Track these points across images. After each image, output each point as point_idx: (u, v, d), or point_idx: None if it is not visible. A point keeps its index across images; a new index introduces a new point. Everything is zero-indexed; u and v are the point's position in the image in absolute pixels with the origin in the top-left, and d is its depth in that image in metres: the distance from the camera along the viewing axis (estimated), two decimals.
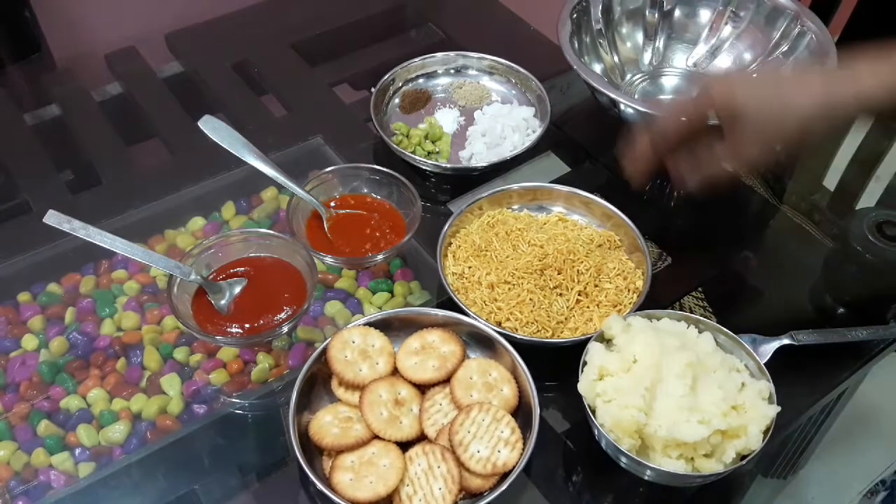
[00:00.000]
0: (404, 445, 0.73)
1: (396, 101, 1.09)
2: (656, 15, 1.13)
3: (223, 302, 0.81)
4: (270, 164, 0.87)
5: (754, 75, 0.76)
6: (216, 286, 0.82)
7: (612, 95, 0.96)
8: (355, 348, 0.77)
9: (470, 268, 0.87)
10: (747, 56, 1.10)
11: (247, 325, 0.80)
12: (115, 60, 1.17)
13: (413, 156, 0.99)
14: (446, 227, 0.89)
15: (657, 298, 0.87)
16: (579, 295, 0.85)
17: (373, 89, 1.05)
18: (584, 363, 0.76)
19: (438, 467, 0.71)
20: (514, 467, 0.70)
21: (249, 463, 0.78)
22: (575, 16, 1.06)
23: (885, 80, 0.69)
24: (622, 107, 0.97)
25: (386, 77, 1.07)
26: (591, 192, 0.93)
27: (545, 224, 0.92)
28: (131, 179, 1.02)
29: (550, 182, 0.96)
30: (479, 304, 0.84)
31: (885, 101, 0.70)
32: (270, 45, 1.21)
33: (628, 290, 0.86)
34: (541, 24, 1.24)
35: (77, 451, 0.78)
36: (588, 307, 0.84)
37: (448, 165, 1.00)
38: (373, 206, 0.92)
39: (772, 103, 0.72)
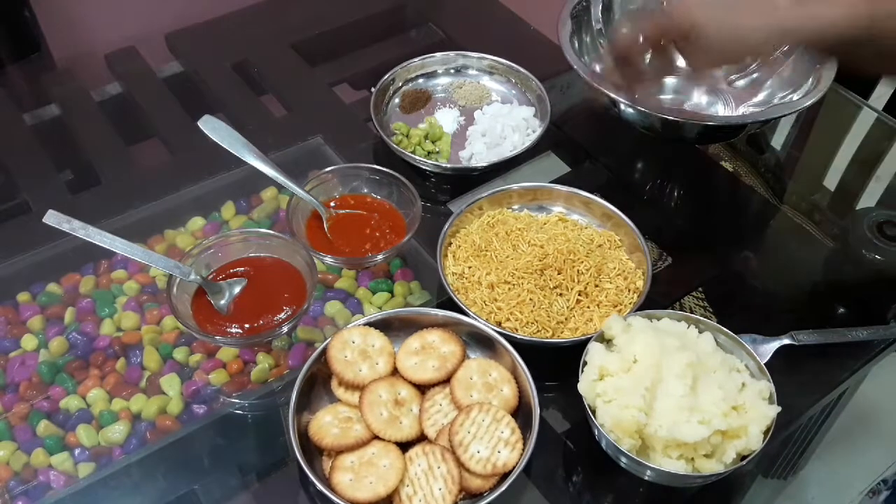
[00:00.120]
0: (404, 446, 0.73)
1: (396, 101, 1.09)
2: None
3: (223, 302, 0.81)
4: (270, 164, 0.87)
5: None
6: (216, 286, 0.82)
7: (613, 95, 0.96)
8: (355, 348, 0.77)
9: (470, 268, 0.87)
10: (747, 56, 1.10)
11: (246, 325, 0.79)
12: (114, 60, 1.17)
13: (413, 156, 0.98)
14: (446, 227, 0.89)
15: (657, 298, 0.87)
16: (579, 295, 0.85)
17: (373, 89, 1.05)
18: (585, 363, 0.76)
19: (438, 468, 0.71)
20: (514, 468, 0.70)
21: (249, 463, 0.78)
22: (575, 15, 1.06)
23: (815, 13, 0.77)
24: (622, 106, 0.97)
25: (386, 77, 1.07)
26: (591, 192, 0.93)
27: (545, 224, 0.92)
28: (131, 179, 1.02)
29: (550, 182, 0.96)
30: (479, 304, 0.84)
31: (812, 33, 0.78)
32: (270, 45, 1.21)
33: (628, 290, 0.86)
34: (541, 24, 1.23)
35: (77, 451, 0.78)
36: (588, 307, 0.84)
37: (448, 165, 1.00)
38: (373, 206, 0.92)
39: (726, 24, 0.80)
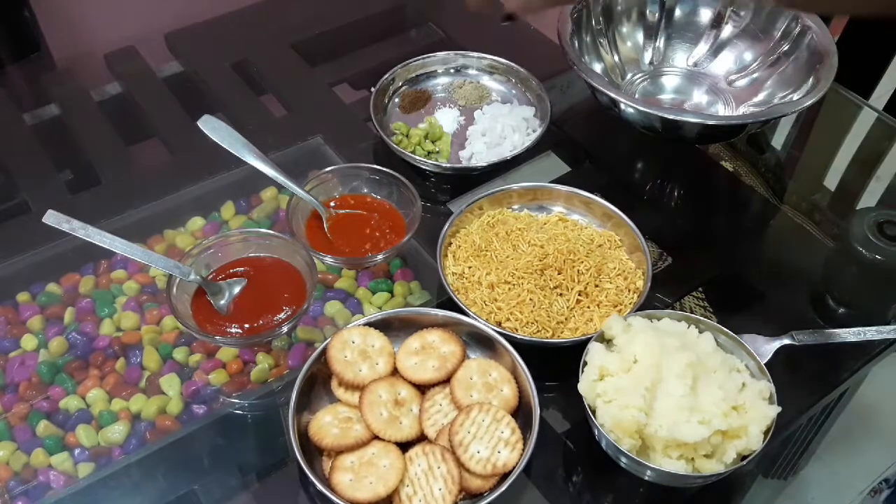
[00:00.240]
0: (404, 446, 0.73)
1: (396, 100, 1.09)
2: (657, 14, 1.13)
3: (223, 302, 0.81)
4: (270, 164, 0.87)
5: None
6: (216, 286, 0.82)
7: (613, 95, 0.96)
8: (355, 348, 0.77)
9: (470, 268, 0.87)
10: (748, 55, 1.10)
11: (246, 325, 0.79)
12: (114, 60, 1.17)
13: (413, 156, 0.98)
14: (446, 227, 0.89)
15: (657, 298, 0.87)
16: (579, 295, 0.85)
17: (373, 89, 1.05)
18: (585, 363, 0.75)
19: (438, 468, 0.71)
20: (514, 468, 0.70)
21: (249, 463, 0.78)
22: (575, 15, 1.06)
23: None
24: (622, 106, 0.97)
25: (386, 77, 1.07)
26: (591, 192, 0.93)
27: (545, 224, 0.92)
28: (131, 179, 1.02)
29: (550, 182, 0.96)
30: (479, 304, 0.84)
31: None
32: (270, 45, 1.21)
33: (628, 290, 0.86)
34: (541, 23, 1.23)
35: (76, 451, 0.78)
36: (588, 307, 0.84)
37: (448, 165, 1.00)
38: (373, 206, 0.92)
39: None
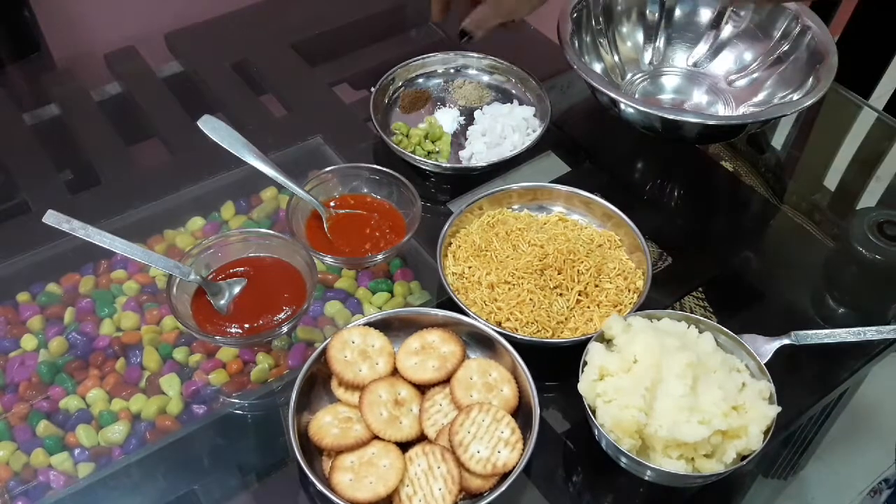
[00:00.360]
0: (404, 446, 0.73)
1: (396, 100, 1.09)
2: (657, 14, 1.13)
3: (222, 302, 0.81)
4: (270, 163, 0.87)
5: None
6: (215, 286, 0.82)
7: (613, 95, 0.96)
8: (355, 348, 0.77)
9: (470, 268, 0.87)
10: (748, 55, 1.10)
11: (246, 325, 0.79)
12: (114, 60, 1.17)
13: (413, 156, 0.98)
14: (446, 227, 0.89)
15: (657, 298, 0.87)
16: (579, 295, 0.85)
17: (373, 89, 1.05)
18: (585, 363, 0.75)
19: (438, 468, 0.71)
20: (514, 468, 0.70)
21: (249, 463, 0.78)
22: (575, 15, 1.06)
23: None
24: (622, 106, 0.97)
25: (386, 77, 1.07)
26: (591, 192, 0.93)
27: (545, 224, 0.92)
28: (131, 179, 1.02)
29: (550, 182, 0.96)
30: (479, 304, 0.84)
31: None
32: (270, 45, 1.21)
33: (628, 290, 0.86)
34: (541, 23, 1.23)
35: (76, 451, 0.78)
36: (588, 307, 0.84)
37: (448, 165, 1.00)
38: (373, 206, 0.92)
39: None
